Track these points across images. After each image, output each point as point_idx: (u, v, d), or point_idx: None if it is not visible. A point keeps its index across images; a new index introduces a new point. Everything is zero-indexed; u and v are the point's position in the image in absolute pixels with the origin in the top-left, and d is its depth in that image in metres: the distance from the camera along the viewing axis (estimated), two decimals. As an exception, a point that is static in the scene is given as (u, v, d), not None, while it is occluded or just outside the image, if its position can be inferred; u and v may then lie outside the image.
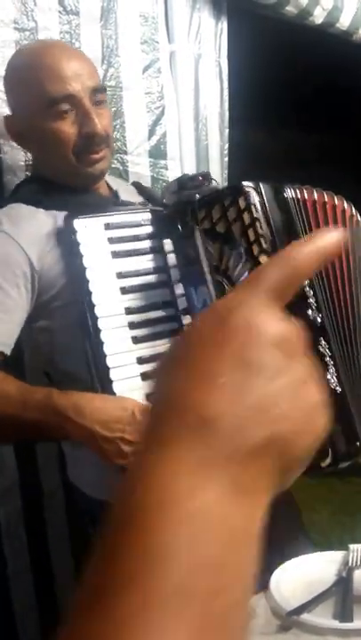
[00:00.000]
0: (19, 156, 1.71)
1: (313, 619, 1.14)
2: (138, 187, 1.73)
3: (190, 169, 2.10)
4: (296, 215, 1.36)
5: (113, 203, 1.53)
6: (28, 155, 1.67)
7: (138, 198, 1.64)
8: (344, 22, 2.48)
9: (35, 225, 1.42)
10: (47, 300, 1.41)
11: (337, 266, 1.38)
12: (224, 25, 2.22)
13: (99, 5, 1.87)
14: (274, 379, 0.41)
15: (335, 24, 2.46)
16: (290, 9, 2.28)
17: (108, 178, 1.62)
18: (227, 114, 2.24)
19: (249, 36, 2.36)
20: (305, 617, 1.14)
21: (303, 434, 0.42)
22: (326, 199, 1.42)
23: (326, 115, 4.01)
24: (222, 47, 2.23)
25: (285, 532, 1.61)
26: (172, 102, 2.05)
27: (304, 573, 1.28)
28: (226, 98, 2.24)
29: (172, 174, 1.97)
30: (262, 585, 1.24)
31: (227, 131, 2.25)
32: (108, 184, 1.60)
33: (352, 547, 1.34)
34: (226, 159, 2.26)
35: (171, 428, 0.40)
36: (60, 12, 1.79)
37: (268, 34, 2.40)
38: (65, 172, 1.47)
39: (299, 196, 1.38)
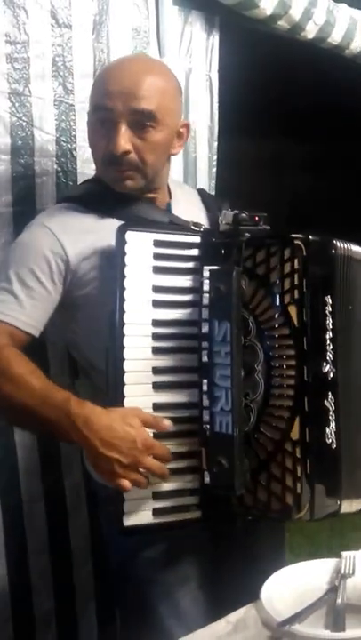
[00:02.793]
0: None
1: (304, 629, 1.13)
2: (202, 194, 1.80)
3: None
4: (338, 271, 1.41)
5: (162, 215, 1.58)
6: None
7: (196, 207, 1.70)
8: (336, 37, 2.51)
9: (79, 226, 1.52)
10: (77, 296, 1.52)
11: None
12: (215, 39, 2.24)
13: (91, 19, 1.89)
14: None
15: (327, 39, 2.49)
16: (282, 23, 2.30)
17: (171, 182, 1.67)
18: (216, 127, 2.26)
19: (240, 51, 2.37)
20: (296, 628, 1.13)
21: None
22: None
23: (315, 127, 4.03)
24: (213, 61, 2.25)
25: (270, 545, 1.64)
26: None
27: (296, 583, 1.28)
28: (216, 111, 2.26)
29: (178, 181, 1.98)
30: (253, 596, 1.25)
31: (215, 143, 2.27)
32: (169, 189, 1.65)
33: (344, 554, 1.33)
34: (214, 170, 2.29)
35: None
36: (52, 25, 1.80)
37: (259, 48, 2.41)
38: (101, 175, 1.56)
39: (346, 254, 1.43)
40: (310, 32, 2.41)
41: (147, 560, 1.52)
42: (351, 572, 1.29)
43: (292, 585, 1.27)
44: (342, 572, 1.29)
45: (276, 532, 1.71)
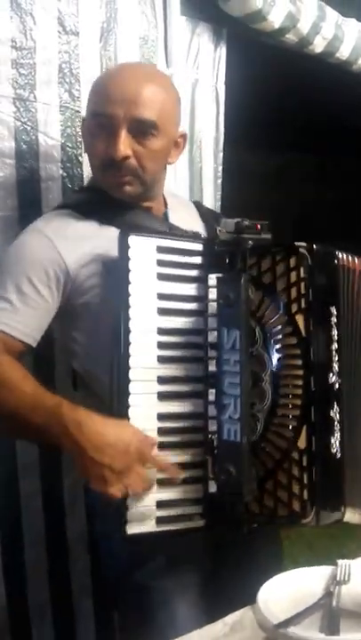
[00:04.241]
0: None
1: (300, 632, 1.14)
2: (198, 206, 1.80)
3: (184, 190, 2.13)
4: (342, 281, 1.43)
5: (160, 224, 1.58)
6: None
7: (192, 218, 1.71)
8: (344, 52, 2.51)
9: (77, 233, 1.50)
10: (76, 304, 1.50)
11: None
12: (223, 51, 2.24)
13: (99, 26, 1.89)
14: None
15: (335, 54, 2.49)
16: (290, 37, 2.30)
17: (167, 193, 1.67)
18: (222, 138, 2.26)
19: (247, 63, 2.37)
20: (292, 630, 1.14)
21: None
22: None
23: (321, 140, 4.05)
24: (220, 73, 2.25)
25: (266, 548, 1.63)
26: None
27: (292, 587, 1.29)
28: (222, 122, 2.26)
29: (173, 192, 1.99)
30: (249, 599, 1.25)
31: (221, 154, 2.27)
32: (164, 199, 1.65)
33: (340, 562, 1.35)
34: (220, 181, 2.28)
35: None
36: (59, 31, 1.81)
37: (267, 61, 2.42)
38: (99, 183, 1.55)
39: (349, 265, 1.45)
40: (318, 46, 2.41)
41: (146, 570, 1.50)
42: (346, 578, 1.30)
43: (288, 589, 1.28)
44: (338, 578, 1.31)
45: (274, 541, 1.71)
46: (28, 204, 1.77)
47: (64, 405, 1.33)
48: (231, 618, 1.25)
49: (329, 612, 1.21)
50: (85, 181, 1.83)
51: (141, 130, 1.47)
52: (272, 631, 1.14)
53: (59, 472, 1.93)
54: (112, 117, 1.45)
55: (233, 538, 1.47)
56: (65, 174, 1.83)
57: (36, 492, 1.90)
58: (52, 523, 1.95)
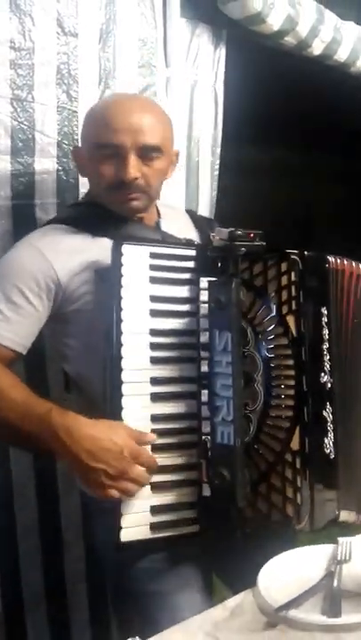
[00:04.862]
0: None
1: (300, 615, 1.14)
2: (191, 215, 1.85)
3: (180, 187, 2.14)
4: (331, 283, 1.48)
5: (153, 233, 1.62)
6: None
7: (186, 226, 1.74)
8: (342, 55, 2.51)
9: (70, 246, 1.53)
10: (67, 312, 1.53)
11: (358, 334, 1.49)
12: (222, 52, 2.25)
13: (97, 28, 1.90)
14: None
15: (333, 56, 2.49)
16: (289, 39, 2.31)
17: (159, 203, 1.72)
18: (220, 136, 2.26)
19: (246, 65, 2.38)
20: (292, 613, 1.14)
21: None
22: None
23: (318, 142, 4.05)
24: (219, 73, 2.25)
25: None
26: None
27: (292, 569, 1.28)
28: (220, 123, 2.26)
29: (164, 195, 2.00)
30: (249, 582, 1.25)
31: (218, 149, 2.27)
32: (157, 209, 1.70)
33: (341, 540, 1.33)
34: (215, 183, 2.29)
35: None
36: (58, 33, 1.81)
37: (266, 63, 2.42)
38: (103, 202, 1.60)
39: (339, 267, 1.50)
40: (317, 49, 2.41)
41: (145, 567, 1.51)
42: (348, 557, 1.30)
43: (288, 571, 1.27)
44: (339, 557, 1.30)
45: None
46: (21, 194, 1.80)
47: (53, 411, 1.34)
48: (231, 602, 1.23)
49: (330, 593, 1.21)
50: (80, 183, 1.85)
51: (147, 154, 1.55)
52: (273, 615, 1.14)
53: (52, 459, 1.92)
54: (120, 146, 1.53)
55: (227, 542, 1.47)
56: (60, 168, 1.85)
57: (30, 478, 1.91)
58: (45, 510, 1.95)
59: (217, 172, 2.30)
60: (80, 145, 1.68)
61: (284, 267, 1.41)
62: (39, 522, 1.95)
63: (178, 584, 1.49)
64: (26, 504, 1.92)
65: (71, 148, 1.82)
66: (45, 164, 1.83)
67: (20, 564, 1.94)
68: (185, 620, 1.43)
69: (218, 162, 2.29)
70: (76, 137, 1.85)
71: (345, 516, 1.42)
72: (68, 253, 1.52)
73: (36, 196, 1.82)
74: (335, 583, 1.23)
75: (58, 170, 1.85)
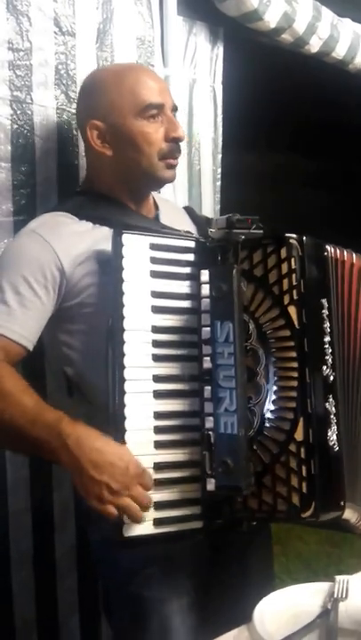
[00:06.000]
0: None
1: None
2: (189, 211, 1.82)
3: (182, 193, 2.11)
4: (331, 274, 1.45)
5: (153, 224, 1.59)
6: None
7: (184, 221, 1.72)
8: (340, 52, 2.51)
9: (72, 234, 1.50)
10: (71, 305, 1.48)
11: (359, 327, 1.49)
12: (220, 50, 2.24)
13: (95, 27, 1.87)
14: None
15: (331, 53, 2.49)
16: (286, 37, 2.30)
17: (157, 197, 1.70)
18: (220, 139, 2.25)
19: (244, 63, 2.37)
20: None
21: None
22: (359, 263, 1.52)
23: (318, 140, 4.04)
24: (217, 72, 2.24)
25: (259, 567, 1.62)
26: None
27: (289, 605, 1.26)
28: (220, 123, 2.25)
29: (164, 197, 1.98)
30: (245, 617, 1.23)
31: (219, 156, 2.26)
32: (155, 202, 1.67)
33: (338, 578, 1.32)
34: (218, 183, 2.27)
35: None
36: (55, 32, 1.79)
37: (263, 61, 2.41)
38: (140, 174, 1.56)
39: (338, 257, 1.47)
40: (314, 46, 2.41)
41: (141, 578, 1.48)
42: (344, 595, 1.28)
43: (285, 607, 1.26)
44: (335, 595, 1.28)
45: (265, 555, 1.71)
46: (23, 209, 1.75)
47: (64, 420, 1.31)
48: (227, 637, 1.22)
49: (326, 630, 1.19)
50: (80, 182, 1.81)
51: (175, 114, 1.59)
52: None
53: (49, 487, 1.90)
54: (163, 105, 1.55)
55: (231, 538, 1.47)
56: (61, 177, 1.81)
57: (26, 508, 1.87)
58: (40, 540, 1.91)
59: (219, 182, 2.29)
60: (92, 120, 1.55)
61: (283, 253, 1.39)
62: (33, 551, 1.91)
63: (173, 593, 1.48)
64: (21, 535, 1.87)
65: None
66: (46, 172, 1.79)
67: (13, 592, 1.88)
68: (173, 627, 1.44)
69: (220, 170, 2.28)
70: (75, 142, 1.81)
71: (349, 513, 1.40)
72: (69, 240, 1.48)
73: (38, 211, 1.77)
74: (331, 620, 1.21)
75: (58, 179, 1.82)
